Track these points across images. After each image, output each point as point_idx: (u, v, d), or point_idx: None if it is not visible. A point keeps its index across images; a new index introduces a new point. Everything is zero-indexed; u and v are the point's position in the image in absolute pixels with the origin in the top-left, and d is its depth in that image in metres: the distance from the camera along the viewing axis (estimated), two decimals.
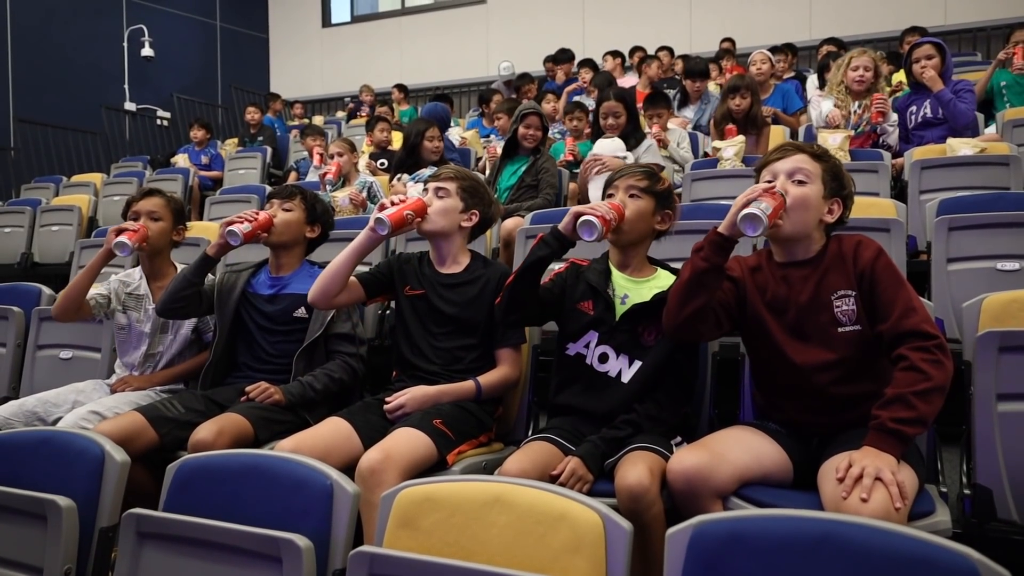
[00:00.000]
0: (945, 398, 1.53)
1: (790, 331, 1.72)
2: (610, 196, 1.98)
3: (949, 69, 4.10)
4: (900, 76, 5.78)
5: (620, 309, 1.95)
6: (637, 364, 1.90)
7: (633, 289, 1.97)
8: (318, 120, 9.33)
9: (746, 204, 1.62)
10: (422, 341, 2.16)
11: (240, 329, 2.43)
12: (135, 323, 2.59)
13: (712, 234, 1.68)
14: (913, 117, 4.13)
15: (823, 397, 1.69)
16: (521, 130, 4.09)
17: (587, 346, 1.96)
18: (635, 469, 1.63)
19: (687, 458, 1.57)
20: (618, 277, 2.00)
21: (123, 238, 2.40)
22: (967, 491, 1.76)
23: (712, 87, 5.85)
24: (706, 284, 1.69)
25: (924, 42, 4.12)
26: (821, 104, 4.24)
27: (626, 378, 1.91)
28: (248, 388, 2.21)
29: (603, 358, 1.94)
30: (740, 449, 1.64)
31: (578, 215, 1.79)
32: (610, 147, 3.77)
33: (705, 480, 1.54)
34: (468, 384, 2.08)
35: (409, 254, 2.32)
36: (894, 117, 4.09)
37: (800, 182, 1.72)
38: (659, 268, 2.03)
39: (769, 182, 1.73)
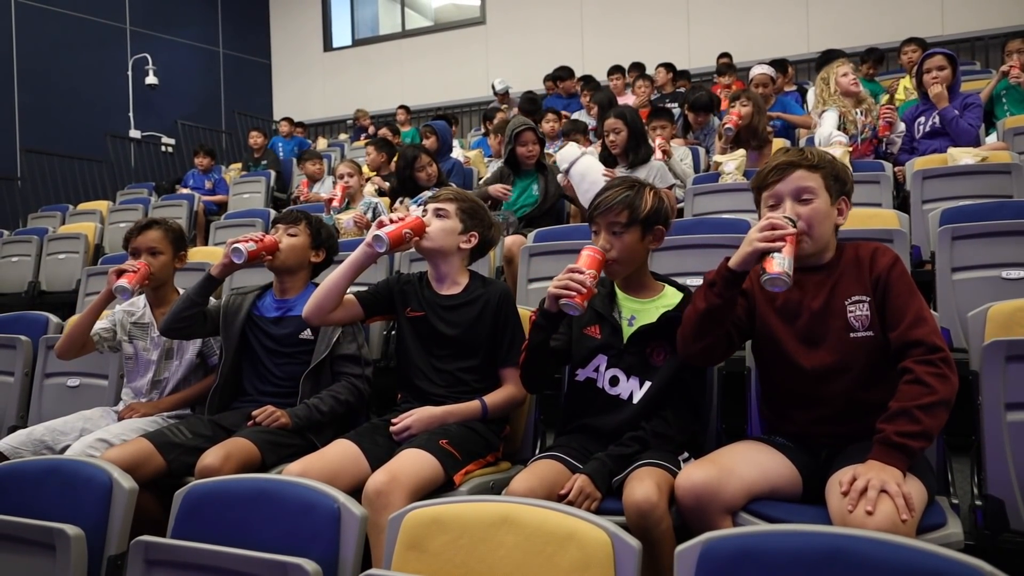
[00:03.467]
0: (950, 412, 1.52)
1: (801, 337, 1.71)
2: (595, 232, 1.93)
3: (958, 82, 4.12)
4: (905, 83, 5.81)
5: (627, 331, 1.92)
6: (648, 385, 1.89)
7: (640, 310, 1.95)
8: (322, 143, 9.40)
9: (766, 254, 1.56)
10: (425, 364, 2.16)
11: (246, 352, 2.43)
12: (141, 352, 2.60)
13: (723, 269, 1.64)
14: (921, 127, 4.15)
15: (832, 404, 1.68)
16: (520, 149, 4.11)
17: (596, 370, 1.94)
18: (642, 485, 1.62)
19: (695, 474, 1.56)
20: (623, 299, 1.98)
21: (123, 282, 2.39)
22: (978, 502, 1.75)
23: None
24: (720, 319, 1.70)
25: (936, 53, 4.12)
26: (823, 121, 4.24)
27: (637, 399, 1.89)
28: (254, 412, 2.22)
29: (614, 381, 1.92)
30: (748, 464, 1.62)
31: (556, 297, 1.73)
32: (567, 153, 3.92)
33: (714, 495, 1.53)
34: (474, 404, 2.07)
35: (409, 275, 2.31)
36: (901, 127, 4.11)
37: (806, 200, 1.70)
38: (665, 285, 2.01)
39: (772, 205, 1.73)
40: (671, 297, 1.96)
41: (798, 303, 1.73)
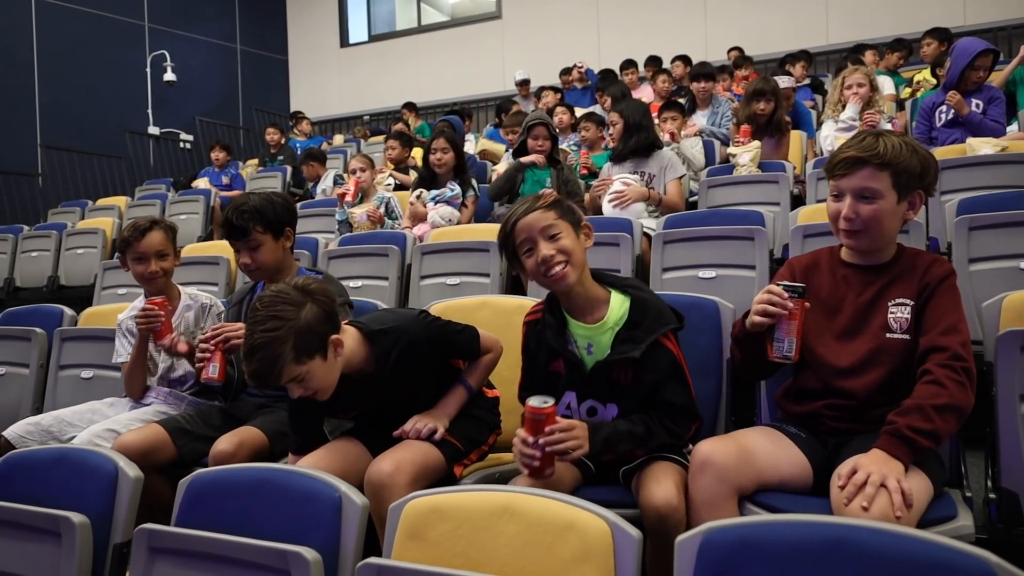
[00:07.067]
0: (962, 423, 1.50)
1: (839, 332, 1.69)
2: (528, 252, 1.73)
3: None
4: (924, 74, 5.74)
5: (589, 361, 1.74)
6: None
7: (593, 336, 1.75)
8: (338, 139, 9.43)
9: (769, 331, 1.63)
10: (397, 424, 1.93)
11: None
12: (151, 351, 2.57)
13: (743, 328, 1.71)
14: (942, 116, 4.11)
15: (852, 398, 1.65)
16: (531, 143, 4.12)
17: (569, 407, 1.78)
18: (661, 487, 1.57)
19: (719, 449, 1.52)
20: (575, 326, 1.77)
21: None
22: (992, 496, 1.72)
23: (723, 93, 5.86)
24: (762, 359, 1.69)
25: (991, 50, 4.07)
26: (823, 132, 4.27)
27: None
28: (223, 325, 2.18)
29: (591, 412, 1.77)
30: (763, 449, 1.60)
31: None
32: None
33: (731, 473, 1.50)
34: (460, 391, 1.97)
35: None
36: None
37: (869, 200, 1.63)
38: (610, 292, 1.78)
39: (836, 196, 1.68)
40: (617, 309, 1.75)
41: (843, 298, 1.71)
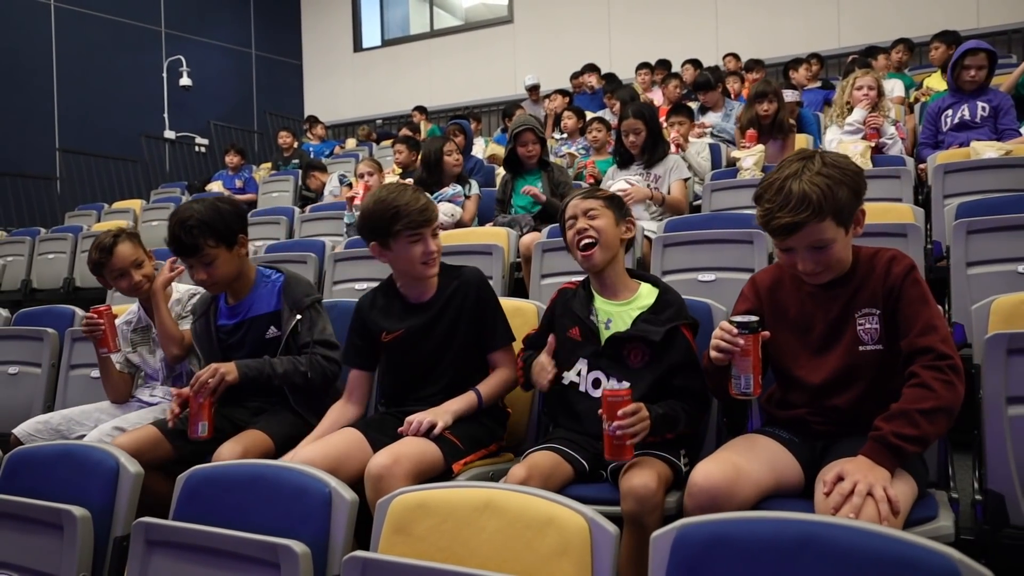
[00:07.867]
0: (952, 421, 1.49)
1: (812, 350, 1.69)
2: (570, 225, 2.00)
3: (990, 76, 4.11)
4: (934, 81, 5.72)
5: (604, 334, 1.94)
6: (627, 386, 1.80)
7: (615, 313, 1.96)
8: (351, 143, 9.51)
9: (730, 367, 1.60)
10: (417, 380, 2.11)
11: (231, 359, 2.29)
12: (147, 356, 2.63)
13: (709, 362, 1.66)
14: (948, 119, 4.09)
15: (835, 413, 1.66)
16: (520, 150, 4.13)
17: (579, 374, 1.95)
18: (642, 473, 1.64)
19: (713, 473, 1.50)
20: (600, 302, 2.00)
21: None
22: (978, 497, 1.72)
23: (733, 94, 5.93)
24: (725, 389, 1.67)
25: (980, 49, 4.02)
26: (828, 136, 4.29)
27: None
28: (199, 375, 2.12)
29: (596, 383, 1.92)
30: (759, 462, 1.59)
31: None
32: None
33: (729, 496, 1.48)
34: (470, 396, 2.05)
35: (371, 293, 2.20)
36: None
37: (822, 248, 1.60)
38: (640, 283, 2.01)
39: (786, 250, 1.63)
40: (646, 297, 1.97)
41: (812, 315, 1.70)
